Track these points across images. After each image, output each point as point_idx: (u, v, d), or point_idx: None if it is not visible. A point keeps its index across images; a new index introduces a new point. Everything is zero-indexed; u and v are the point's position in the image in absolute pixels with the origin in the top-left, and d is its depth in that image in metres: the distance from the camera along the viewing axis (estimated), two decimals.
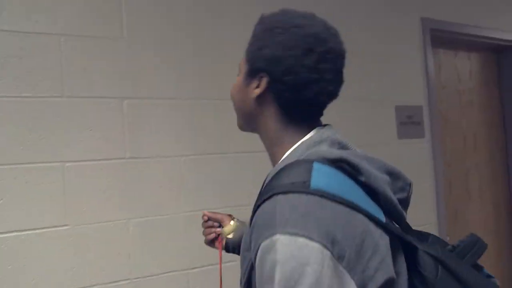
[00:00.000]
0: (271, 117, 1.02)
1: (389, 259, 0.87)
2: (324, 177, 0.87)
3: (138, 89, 1.98)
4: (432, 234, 1.08)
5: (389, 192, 0.94)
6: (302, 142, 0.98)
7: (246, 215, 1.06)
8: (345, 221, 0.83)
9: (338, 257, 0.80)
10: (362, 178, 0.91)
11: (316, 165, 0.88)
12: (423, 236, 1.06)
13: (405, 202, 1.00)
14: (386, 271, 0.86)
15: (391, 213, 0.95)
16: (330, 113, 1.10)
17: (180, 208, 2.04)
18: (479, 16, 3.37)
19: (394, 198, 0.95)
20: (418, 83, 2.92)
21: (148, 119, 1.99)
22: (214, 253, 2.09)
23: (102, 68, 1.91)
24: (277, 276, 0.79)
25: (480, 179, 3.52)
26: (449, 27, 3.16)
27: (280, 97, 0.99)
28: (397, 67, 2.84)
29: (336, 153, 0.92)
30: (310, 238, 0.79)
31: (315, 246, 0.79)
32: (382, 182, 0.93)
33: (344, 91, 1.02)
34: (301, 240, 0.79)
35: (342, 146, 0.98)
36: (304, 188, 0.84)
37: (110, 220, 1.89)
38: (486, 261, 3.48)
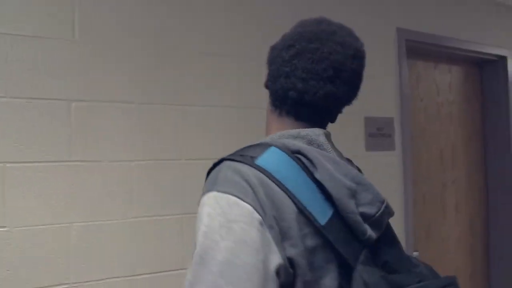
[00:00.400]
0: (267, 108, 1.08)
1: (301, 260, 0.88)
2: (272, 159, 0.91)
3: (88, 91, 1.94)
4: (426, 265, 1.01)
5: (345, 198, 0.91)
6: (278, 134, 1.01)
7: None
8: (276, 200, 0.86)
9: (267, 226, 0.84)
10: (317, 175, 0.91)
11: (272, 149, 0.93)
12: (404, 262, 0.98)
13: (373, 219, 0.95)
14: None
15: (350, 224, 0.92)
16: None
17: (128, 213, 1.99)
18: (461, 29, 3.33)
19: (354, 208, 0.92)
20: (391, 94, 2.87)
21: (98, 122, 1.95)
22: (158, 260, 2.05)
23: (50, 69, 1.87)
24: (203, 228, 0.83)
25: (457, 193, 3.46)
26: (426, 38, 3.11)
27: (268, 87, 1.06)
28: (369, 77, 2.78)
29: (297, 145, 0.94)
30: (243, 199, 0.84)
31: (246, 207, 0.84)
32: (340, 186, 0.92)
33: None
34: (234, 199, 0.84)
35: (318, 146, 0.99)
36: (248, 161, 0.90)
37: (51, 224, 1.85)
38: (460, 279, 3.44)
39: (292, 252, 0.86)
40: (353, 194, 0.93)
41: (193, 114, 2.15)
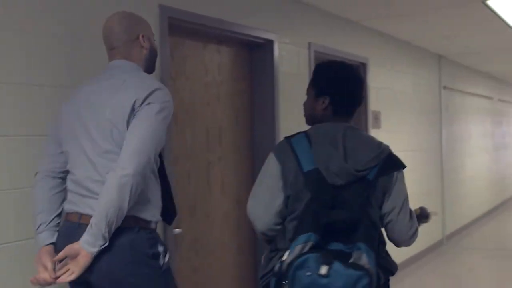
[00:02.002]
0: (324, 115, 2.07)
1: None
2: (297, 137, 1.97)
3: None
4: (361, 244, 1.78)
5: (322, 160, 1.88)
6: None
7: None
8: (288, 153, 1.92)
9: (280, 163, 1.94)
10: (313, 147, 1.92)
11: (301, 132, 1.99)
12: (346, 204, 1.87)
13: (336, 172, 1.87)
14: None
15: (322, 174, 1.88)
16: None
17: None
18: (230, 12, 3.40)
19: (326, 165, 1.86)
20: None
21: None
22: None
23: None
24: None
25: (223, 171, 3.57)
26: (193, 18, 3.12)
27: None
28: None
29: (307, 130, 2.01)
30: (275, 155, 1.97)
31: (273, 155, 1.98)
32: (322, 152, 1.89)
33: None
34: (272, 154, 1.98)
35: (323, 131, 1.98)
36: (286, 138, 2.00)
37: None
38: (226, 255, 3.56)
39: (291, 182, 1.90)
40: (330, 157, 1.87)
41: None
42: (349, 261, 1.72)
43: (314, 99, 2.06)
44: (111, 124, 1.85)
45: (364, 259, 1.72)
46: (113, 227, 1.75)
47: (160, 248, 1.93)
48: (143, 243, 1.88)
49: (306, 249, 1.75)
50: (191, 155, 3.31)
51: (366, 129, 5.01)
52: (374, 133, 5.15)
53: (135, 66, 2.02)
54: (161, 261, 1.91)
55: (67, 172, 1.98)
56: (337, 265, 1.70)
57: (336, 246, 1.79)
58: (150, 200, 1.92)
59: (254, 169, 3.83)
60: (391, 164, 1.96)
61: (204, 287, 3.42)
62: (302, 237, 1.78)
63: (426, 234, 6.37)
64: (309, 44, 4.21)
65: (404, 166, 2.00)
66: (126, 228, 1.82)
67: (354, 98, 2.06)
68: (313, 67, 4.21)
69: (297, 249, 1.76)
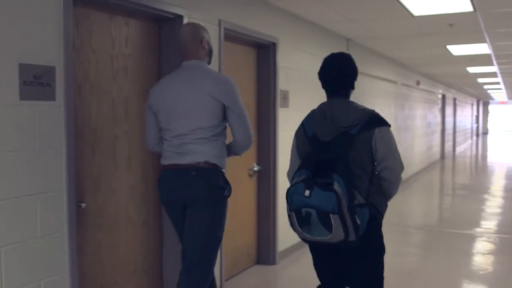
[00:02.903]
0: None
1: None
2: (307, 115, 2.88)
3: None
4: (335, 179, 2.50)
5: (316, 129, 2.74)
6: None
7: None
8: (300, 128, 2.87)
9: (296, 138, 2.90)
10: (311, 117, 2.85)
11: (312, 111, 2.89)
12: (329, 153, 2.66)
13: (324, 130, 2.72)
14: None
15: (317, 135, 2.73)
16: None
17: None
18: None
19: (319, 129, 2.72)
20: (52, 42, 2.75)
21: None
22: None
23: None
24: None
25: (130, 145, 3.55)
26: None
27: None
28: (26, 22, 2.62)
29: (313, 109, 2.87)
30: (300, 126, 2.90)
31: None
32: (316, 122, 2.77)
33: None
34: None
35: (319, 108, 2.84)
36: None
37: None
38: (131, 231, 3.53)
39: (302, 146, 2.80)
40: (321, 124, 2.71)
41: None
42: (326, 186, 2.46)
43: None
44: (204, 108, 2.96)
45: (336, 185, 2.44)
46: None
47: (226, 185, 2.98)
48: (219, 178, 2.95)
49: (299, 180, 2.57)
50: (96, 129, 3.27)
51: (274, 108, 5.13)
52: (282, 112, 5.28)
53: (202, 65, 3.05)
54: (226, 193, 2.98)
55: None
56: (316, 189, 2.47)
57: (321, 178, 2.49)
58: (221, 154, 2.98)
59: None
60: (372, 123, 2.66)
61: (109, 262, 3.41)
62: (297, 173, 2.63)
63: None
64: (220, 21, 4.23)
65: (386, 124, 2.71)
66: (209, 169, 2.90)
67: (332, 83, 2.83)
68: (223, 45, 4.26)
69: (293, 181, 2.63)
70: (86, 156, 3.20)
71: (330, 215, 2.44)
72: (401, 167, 2.75)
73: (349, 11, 5.70)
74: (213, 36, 4.13)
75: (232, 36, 4.54)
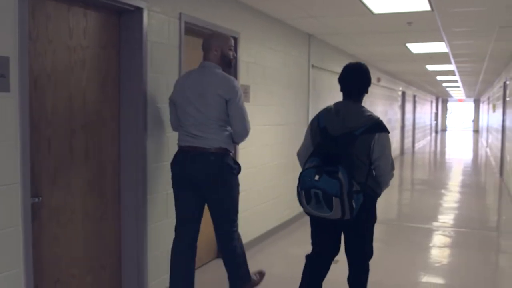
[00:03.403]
0: None
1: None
2: (323, 109, 3.46)
3: None
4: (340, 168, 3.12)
5: (328, 122, 3.35)
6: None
7: None
8: (315, 119, 3.47)
9: (310, 125, 3.51)
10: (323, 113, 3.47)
11: (328, 106, 3.47)
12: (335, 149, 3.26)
13: (335, 127, 3.30)
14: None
15: (327, 129, 3.34)
16: None
17: None
18: None
19: (329, 124, 3.33)
20: (5, 33, 2.69)
21: None
22: None
23: None
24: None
25: (88, 139, 3.50)
26: None
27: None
28: None
29: (332, 105, 3.45)
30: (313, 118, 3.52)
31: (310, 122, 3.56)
32: (329, 118, 3.36)
33: None
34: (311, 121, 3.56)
35: (335, 106, 3.44)
36: (321, 110, 3.49)
37: None
38: (89, 225, 3.50)
39: (314, 134, 3.42)
40: (332, 120, 3.32)
41: None
42: (332, 174, 3.08)
43: None
44: (214, 105, 3.55)
45: (340, 175, 3.06)
46: None
47: (235, 165, 3.65)
48: (228, 160, 3.58)
49: (311, 166, 3.21)
50: (52, 122, 3.21)
51: None
52: None
53: (215, 67, 3.65)
54: (234, 171, 3.64)
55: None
56: (324, 176, 3.09)
57: (329, 167, 3.11)
58: (230, 141, 3.62)
59: (119, 138, 3.79)
60: (374, 128, 3.25)
61: (66, 257, 3.36)
62: (310, 160, 3.27)
63: (291, 204, 6.69)
64: (180, 14, 4.20)
65: (386, 131, 3.30)
66: (221, 153, 3.53)
67: (349, 89, 3.45)
68: (183, 38, 4.23)
69: (306, 165, 3.27)
70: (42, 149, 3.14)
71: (333, 197, 3.09)
72: (391, 168, 3.34)
73: (310, 8, 5.75)
74: (173, 30, 4.12)
75: (193, 30, 4.51)
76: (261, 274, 4.16)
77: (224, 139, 3.56)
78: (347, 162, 3.15)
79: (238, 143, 3.81)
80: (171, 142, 4.11)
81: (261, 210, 5.87)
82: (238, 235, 3.80)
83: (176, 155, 3.64)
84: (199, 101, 3.52)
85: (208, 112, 3.50)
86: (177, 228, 3.73)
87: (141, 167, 3.79)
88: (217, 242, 3.85)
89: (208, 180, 3.53)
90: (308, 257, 3.62)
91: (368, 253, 3.50)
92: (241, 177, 4.82)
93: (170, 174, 3.71)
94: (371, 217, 3.44)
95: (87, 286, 3.58)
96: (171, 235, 4.07)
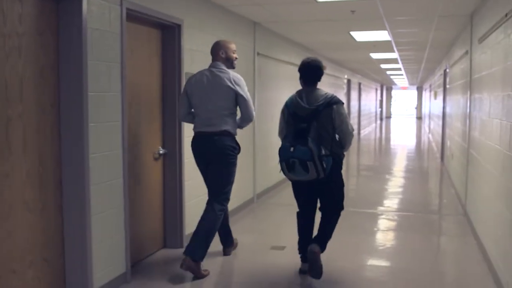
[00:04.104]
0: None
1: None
2: (290, 97, 4.39)
3: None
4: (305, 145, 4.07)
5: (296, 108, 4.26)
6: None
7: None
8: (285, 106, 4.41)
9: (282, 112, 4.44)
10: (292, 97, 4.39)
11: (294, 93, 4.41)
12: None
13: (305, 105, 4.21)
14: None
15: (297, 107, 4.27)
16: None
17: None
18: None
19: (297, 110, 4.24)
20: None
21: None
22: None
23: None
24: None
25: (25, 128, 3.39)
26: None
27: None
28: None
29: (291, 95, 4.42)
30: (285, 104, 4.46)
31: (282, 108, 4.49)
32: (296, 102, 4.26)
33: None
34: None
35: (298, 93, 4.35)
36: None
37: None
38: (29, 217, 3.37)
39: (286, 119, 4.36)
40: (298, 104, 4.23)
41: None
42: (303, 145, 3.99)
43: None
44: (223, 98, 4.48)
45: (310, 143, 3.98)
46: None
47: (236, 145, 4.52)
48: (231, 141, 4.47)
49: (285, 142, 4.16)
50: None
51: (179, 91, 5.07)
52: None
53: (222, 66, 4.56)
54: (235, 151, 4.52)
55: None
56: (298, 146, 4.00)
57: (300, 140, 4.04)
58: (234, 126, 4.54)
59: (59, 127, 3.69)
60: (332, 102, 4.20)
61: (5, 251, 3.25)
62: (285, 138, 4.26)
63: (238, 193, 6.70)
64: (121, 1, 4.10)
65: (341, 102, 4.27)
66: (223, 135, 4.41)
67: (307, 77, 4.36)
68: (125, 25, 4.15)
69: (283, 142, 4.23)
70: None
71: (307, 162, 4.00)
72: (351, 130, 4.30)
73: None
74: (114, 16, 4.02)
75: (135, 17, 4.43)
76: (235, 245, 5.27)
77: (229, 124, 4.48)
78: (314, 134, 4.07)
79: (242, 128, 4.72)
80: (114, 131, 4.03)
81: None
82: (223, 209, 4.62)
83: (193, 139, 4.62)
84: (211, 93, 4.45)
85: (218, 102, 4.43)
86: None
87: (83, 157, 3.71)
88: (204, 209, 4.60)
89: (211, 156, 4.49)
90: (297, 214, 4.62)
91: (339, 206, 4.49)
92: (188, 166, 4.81)
93: (114, 163, 3.79)
94: (340, 178, 4.43)
95: (29, 281, 3.48)
96: (117, 225, 4.00)
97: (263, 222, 6.68)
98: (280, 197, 8.09)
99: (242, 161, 6.99)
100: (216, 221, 4.49)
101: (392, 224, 6.64)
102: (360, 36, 9.12)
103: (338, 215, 4.48)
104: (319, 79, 4.36)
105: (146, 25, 4.79)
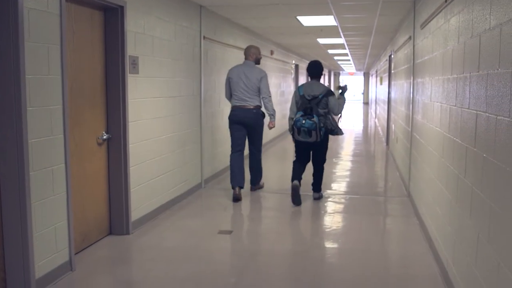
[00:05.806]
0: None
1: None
2: (301, 84, 6.89)
3: None
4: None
5: (305, 92, 6.52)
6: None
7: None
8: (296, 90, 6.74)
9: (294, 94, 6.79)
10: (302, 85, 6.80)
11: (302, 83, 6.94)
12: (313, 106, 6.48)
13: (311, 95, 6.47)
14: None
15: (304, 95, 6.54)
16: None
17: None
18: None
19: (305, 94, 6.49)
20: None
21: None
22: None
23: None
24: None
25: None
26: None
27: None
28: None
29: (303, 83, 6.87)
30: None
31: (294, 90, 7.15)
32: (305, 88, 6.56)
33: None
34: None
35: (307, 83, 6.73)
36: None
37: None
38: None
39: (297, 98, 6.62)
40: (306, 90, 6.52)
41: None
42: (310, 119, 6.22)
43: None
44: (254, 84, 6.89)
45: (315, 118, 6.21)
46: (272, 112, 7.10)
47: (263, 114, 7.12)
48: (260, 112, 7.04)
49: (298, 116, 6.32)
50: None
51: (123, 75, 4.97)
52: (132, 78, 5.14)
53: (253, 63, 7.01)
54: (263, 117, 7.15)
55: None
56: (307, 120, 6.22)
57: (308, 115, 6.25)
58: (260, 102, 7.02)
59: None
60: (328, 93, 6.42)
61: None
62: (298, 113, 6.38)
63: (186, 178, 6.64)
64: None
65: (333, 94, 6.50)
66: (256, 108, 6.96)
67: (312, 72, 6.67)
68: (64, 7, 4.01)
69: (297, 116, 6.35)
70: None
71: (312, 131, 6.19)
72: (341, 109, 6.61)
73: None
74: None
75: None
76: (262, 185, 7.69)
77: (258, 101, 6.90)
78: (316, 112, 6.28)
79: (265, 104, 6.90)
80: (54, 116, 3.91)
81: (154, 184, 5.78)
82: (260, 153, 7.31)
83: (232, 110, 6.93)
84: (246, 80, 6.79)
85: (250, 86, 6.80)
86: (232, 147, 7.03)
87: (21, 142, 3.58)
88: (249, 155, 7.32)
89: (250, 122, 6.91)
90: (293, 162, 6.74)
91: (324, 160, 6.87)
92: (133, 151, 4.72)
93: (55, 149, 3.59)
94: (327, 142, 6.71)
95: None
96: (59, 211, 3.89)
97: (210, 207, 6.67)
98: (228, 183, 8.07)
99: (189, 146, 6.93)
100: (259, 160, 7.28)
101: (340, 206, 6.75)
102: (307, 20, 9.16)
103: (323, 167, 6.93)
104: (321, 74, 6.61)
105: (87, 7, 4.64)
